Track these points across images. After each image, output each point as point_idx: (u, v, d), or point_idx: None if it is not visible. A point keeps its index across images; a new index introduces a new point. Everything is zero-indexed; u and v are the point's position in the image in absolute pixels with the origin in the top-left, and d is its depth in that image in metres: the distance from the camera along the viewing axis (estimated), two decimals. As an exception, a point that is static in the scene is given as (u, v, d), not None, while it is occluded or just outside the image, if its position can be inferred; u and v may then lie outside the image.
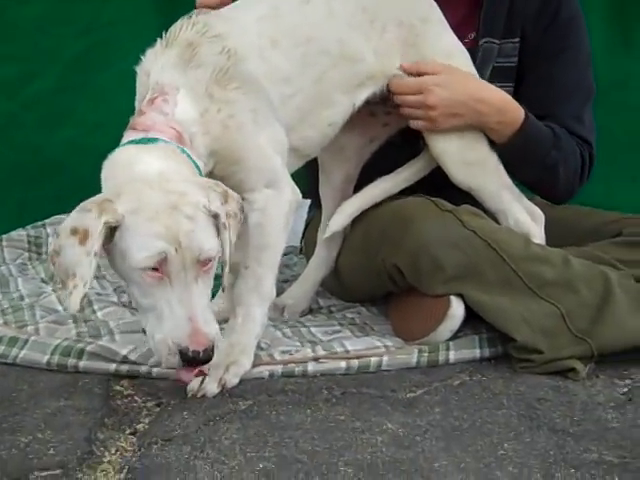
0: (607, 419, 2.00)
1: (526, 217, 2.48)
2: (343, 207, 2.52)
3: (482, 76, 2.54)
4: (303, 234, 2.95)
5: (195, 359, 1.93)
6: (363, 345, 2.31)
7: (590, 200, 2.85)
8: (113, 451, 1.85)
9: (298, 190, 2.29)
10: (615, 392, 2.14)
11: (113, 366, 2.19)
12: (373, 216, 2.49)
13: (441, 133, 2.43)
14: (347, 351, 2.28)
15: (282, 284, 2.64)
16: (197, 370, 1.99)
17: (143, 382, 2.16)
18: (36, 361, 2.22)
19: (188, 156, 2.09)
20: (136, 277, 1.96)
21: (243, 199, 2.13)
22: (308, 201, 2.90)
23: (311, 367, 2.22)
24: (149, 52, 2.21)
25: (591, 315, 2.25)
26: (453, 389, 2.15)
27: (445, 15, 2.48)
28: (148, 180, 1.98)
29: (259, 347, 2.24)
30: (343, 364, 2.23)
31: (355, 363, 2.23)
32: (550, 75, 2.60)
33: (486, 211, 2.46)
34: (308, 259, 2.72)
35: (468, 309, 2.31)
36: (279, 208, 2.24)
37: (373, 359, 2.25)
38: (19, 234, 3.19)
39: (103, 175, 2.08)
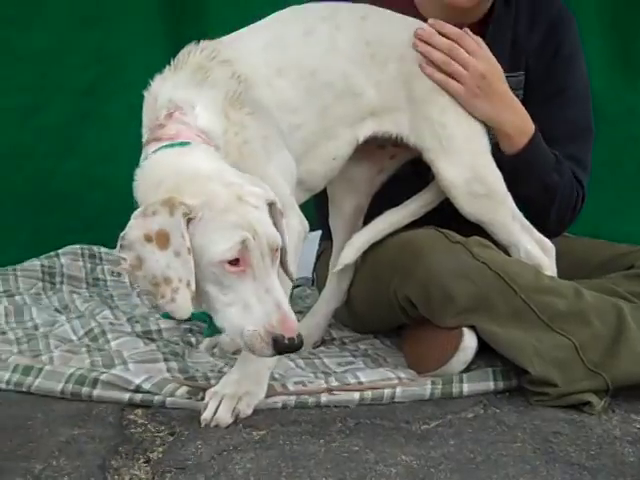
0: (623, 453, 1.99)
1: (537, 249, 2.46)
2: (353, 240, 2.51)
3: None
4: (315, 265, 2.96)
5: (290, 346, 1.90)
6: (376, 377, 2.30)
7: (601, 232, 2.86)
8: (127, 479, 1.84)
9: (306, 221, 2.27)
10: (631, 427, 2.13)
11: (127, 395, 2.18)
12: (383, 247, 2.48)
13: (449, 163, 2.37)
14: (360, 382, 2.27)
15: (295, 315, 2.62)
16: None
17: (157, 411, 2.15)
18: (50, 389, 2.22)
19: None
20: (214, 272, 1.91)
21: None
22: (318, 233, 2.90)
23: (324, 398, 2.21)
24: (157, 77, 2.18)
25: (605, 348, 2.24)
26: (467, 422, 2.14)
27: None
28: (205, 175, 1.94)
29: (272, 378, 2.22)
30: (356, 395, 2.22)
31: (368, 394, 2.22)
32: (549, 115, 2.57)
33: (496, 242, 2.45)
34: (320, 291, 2.71)
35: (481, 341, 2.31)
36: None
37: (386, 391, 2.24)
38: (33, 264, 3.19)
39: (140, 183, 2.02)
